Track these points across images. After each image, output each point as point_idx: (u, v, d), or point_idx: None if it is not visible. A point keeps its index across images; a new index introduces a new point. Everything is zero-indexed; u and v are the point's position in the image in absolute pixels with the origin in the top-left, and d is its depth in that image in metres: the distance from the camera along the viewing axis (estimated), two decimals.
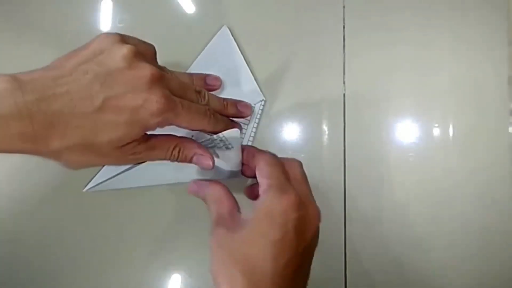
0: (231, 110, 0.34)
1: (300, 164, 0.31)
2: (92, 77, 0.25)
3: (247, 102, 0.36)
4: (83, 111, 0.25)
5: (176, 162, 0.33)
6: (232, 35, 0.39)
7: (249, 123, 0.38)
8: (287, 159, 0.32)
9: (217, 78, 0.37)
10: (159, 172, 0.37)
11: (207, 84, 0.36)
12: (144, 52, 0.29)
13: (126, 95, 0.26)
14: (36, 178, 0.39)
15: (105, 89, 0.25)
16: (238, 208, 0.30)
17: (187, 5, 0.40)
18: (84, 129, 0.25)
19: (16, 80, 0.24)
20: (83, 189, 0.37)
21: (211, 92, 0.34)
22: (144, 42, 0.31)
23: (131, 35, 0.40)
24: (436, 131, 0.38)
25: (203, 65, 0.38)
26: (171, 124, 0.29)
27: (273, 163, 0.30)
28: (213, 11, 0.40)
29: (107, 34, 0.29)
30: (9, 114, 0.23)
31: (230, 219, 0.29)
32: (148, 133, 0.29)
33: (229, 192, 0.31)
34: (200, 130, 0.31)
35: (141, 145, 0.29)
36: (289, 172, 0.30)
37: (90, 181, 0.37)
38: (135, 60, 0.27)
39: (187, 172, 0.38)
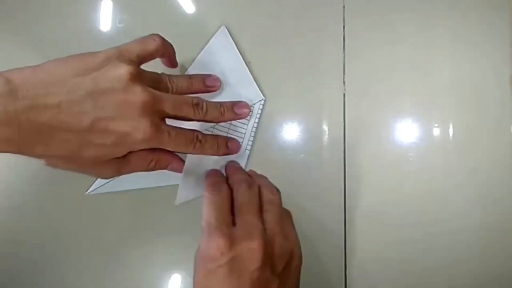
0: (228, 116, 0.35)
1: (279, 197, 0.33)
2: (84, 95, 0.25)
3: (244, 102, 0.36)
4: (70, 128, 0.25)
5: None
6: (231, 35, 0.39)
7: (248, 123, 0.38)
8: (266, 189, 0.33)
9: (217, 79, 0.37)
10: (160, 174, 0.37)
11: (206, 85, 0.36)
12: (142, 71, 0.29)
13: (115, 119, 0.26)
14: (36, 179, 0.39)
15: (96, 110, 0.26)
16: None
17: (187, 5, 0.40)
18: (70, 144, 0.26)
19: (8, 82, 0.24)
20: (86, 192, 0.37)
21: (213, 94, 0.35)
22: (145, 46, 0.31)
23: (131, 35, 0.41)
24: (436, 131, 0.38)
25: (202, 65, 0.38)
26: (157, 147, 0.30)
27: (215, 203, 0.30)
28: (213, 11, 0.40)
29: (108, 50, 0.29)
30: None
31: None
32: None
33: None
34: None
35: (121, 161, 0.30)
36: (266, 210, 0.31)
37: (92, 184, 0.37)
38: (130, 84, 0.27)
39: (190, 174, 0.38)
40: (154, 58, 0.32)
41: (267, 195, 0.32)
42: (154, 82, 0.31)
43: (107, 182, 0.37)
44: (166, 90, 0.32)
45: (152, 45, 0.31)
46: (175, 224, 0.39)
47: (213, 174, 0.36)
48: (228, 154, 0.36)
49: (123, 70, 0.27)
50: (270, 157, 0.38)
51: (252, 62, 0.39)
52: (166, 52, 0.33)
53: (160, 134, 0.28)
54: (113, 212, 0.39)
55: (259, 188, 0.33)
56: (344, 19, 0.39)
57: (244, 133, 0.38)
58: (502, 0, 0.38)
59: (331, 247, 0.38)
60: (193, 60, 0.39)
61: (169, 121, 0.31)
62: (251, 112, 0.38)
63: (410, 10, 0.39)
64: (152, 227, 0.39)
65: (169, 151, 0.33)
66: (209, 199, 0.31)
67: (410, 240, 0.38)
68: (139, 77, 0.28)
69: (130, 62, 0.28)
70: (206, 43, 0.39)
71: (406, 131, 0.38)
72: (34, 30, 0.40)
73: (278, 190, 0.33)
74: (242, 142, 0.38)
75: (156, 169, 0.33)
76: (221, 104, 0.34)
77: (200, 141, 0.32)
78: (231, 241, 0.27)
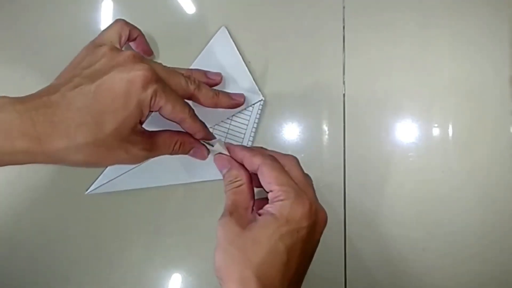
0: (223, 99, 0.34)
1: (297, 161, 0.31)
2: (79, 76, 0.27)
3: (240, 93, 0.37)
4: (78, 106, 0.26)
5: (177, 164, 0.35)
6: (231, 36, 0.39)
7: (248, 123, 0.38)
8: (282, 156, 0.31)
9: (218, 74, 0.37)
10: (159, 173, 0.37)
11: (207, 77, 0.36)
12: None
13: (113, 77, 0.27)
14: (36, 178, 0.39)
15: (95, 78, 0.27)
16: (254, 205, 0.30)
17: (187, 6, 0.40)
18: (86, 125, 0.26)
19: (11, 98, 0.26)
20: (86, 191, 0.38)
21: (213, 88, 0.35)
22: (116, 32, 0.35)
23: None
24: (436, 131, 0.38)
25: (202, 66, 0.38)
26: (160, 107, 0.29)
27: (277, 168, 0.29)
28: (213, 11, 0.40)
29: (104, 46, 0.31)
30: (10, 118, 0.24)
31: (244, 215, 0.29)
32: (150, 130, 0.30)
33: (251, 186, 0.30)
34: (179, 123, 0.31)
35: (146, 141, 0.30)
36: (290, 173, 0.29)
37: (91, 184, 0.37)
38: (116, 49, 0.29)
39: (187, 173, 0.38)
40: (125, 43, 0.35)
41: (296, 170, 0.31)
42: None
43: (107, 182, 0.37)
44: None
45: (119, 30, 0.35)
46: (175, 224, 0.39)
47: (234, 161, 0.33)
48: (232, 104, 0.36)
49: (103, 49, 0.29)
50: None
51: (252, 62, 0.39)
52: (133, 36, 0.36)
53: (159, 76, 0.28)
54: (112, 212, 0.39)
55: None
56: (344, 19, 0.39)
57: (244, 133, 0.38)
58: (502, 0, 0.38)
59: (331, 247, 0.38)
60: (193, 60, 0.39)
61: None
62: (250, 112, 0.38)
63: (410, 11, 0.39)
64: (152, 227, 0.39)
65: (191, 135, 0.32)
66: (271, 165, 0.29)
67: (409, 240, 0.38)
68: (120, 49, 0.30)
69: (107, 45, 0.30)
70: (207, 44, 0.39)
71: (406, 131, 0.38)
72: (35, 30, 0.40)
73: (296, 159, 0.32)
74: (242, 142, 0.38)
75: (180, 153, 0.33)
76: (215, 89, 0.34)
77: (193, 111, 0.31)
78: (312, 207, 0.28)
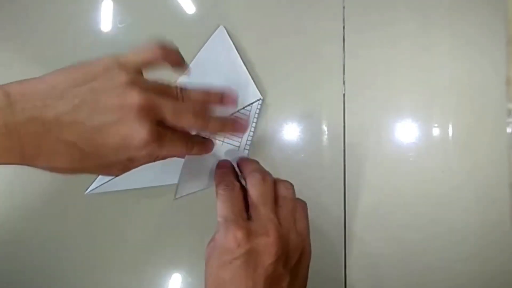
0: (228, 129, 0.33)
1: (291, 187, 0.32)
2: (81, 104, 0.25)
3: (245, 123, 0.35)
4: (69, 140, 0.25)
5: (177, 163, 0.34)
6: (231, 35, 0.39)
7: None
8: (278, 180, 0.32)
9: (234, 100, 0.33)
10: (159, 173, 0.37)
11: (223, 101, 0.34)
12: (142, 79, 0.29)
13: (112, 125, 0.26)
14: (36, 179, 0.39)
15: (93, 118, 0.25)
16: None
17: (187, 6, 0.40)
18: (70, 156, 0.26)
19: (7, 96, 0.24)
20: (85, 192, 0.38)
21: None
22: (143, 55, 0.30)
23: (132, 35, 0.41)
24: (436, 131, 0.38)
25: (201, 65, 0.38)
26: (153, 157, 0.29)
27: (227, 198, 0.30)
28: (213, 11, 0.40)
29: (107, 58, 0.28)
30: None
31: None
32: None
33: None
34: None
35: (124, 162, 0.29)
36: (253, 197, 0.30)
37: (91, 184, 0.37)
38: (127, 89, 0.26)
39: (189, 174, 0.38)
40: (155, 66, 0.31)
41: (281, 189, 0.31)
42: (159, 90, 0.29)
43: (106, 182, 0.37)
44: (173, 97, 0.30)
45: (149, 54, 0.30)
46: (175, 224, 0.39)
47: (222, 169, 0.35)
48: (208, 152, 0.35)
49: (121, 78, 0.27)
50: (270, 157, 0.38)
51: (252, 62, 0.39)
52: (169, 58, 0.32)
53: (159, 137, 0.27)
54: (112, 212, 0.39)
55: (274, 181, 0.32)
56: (344, 19, 0.39)
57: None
58: (500, 0, 0.38)
59: (331, 247, 0.38)
60: (192, 60, 0.39)
61: None
62: (249, 111, 0.38)
63: (409, 11, 0.39)
64: (152, 227, 0.39)
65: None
66: (223, 196, 0.31)
67: (409, 240, 0.38)
68: (137, 83, 0.27)
69: (128, 70, 0.28)
70: (205, 43, 0.39)
71: (406, 131, 0.38)
72: (35, 31, 0.40)
73: (291, 184, 0.32)
74: (240, 142, 0.38)
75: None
76: (225, 118, 0.32)
77: (191, 141, 0.31)
78: (248, 234, 0.28)
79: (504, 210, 0.37)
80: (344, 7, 0.39)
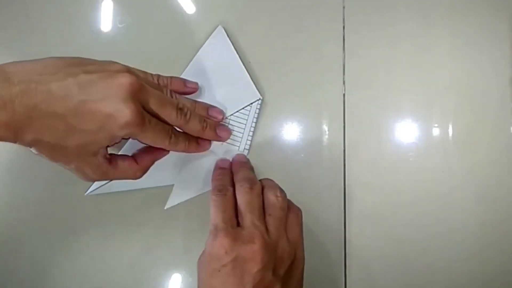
0: (208, 134, 0.35)
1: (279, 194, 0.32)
2: (73, 80, 0.26)
3: (227, 127, 0.37)
4: (57, 111, 0.26)
5: (178, 164, 0.36)
6: (231, 35, 0.39)
7: (246, 123, 0.38)
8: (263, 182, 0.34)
9: (220, 112, 0.37)
10: (159, 173, 0.37)
11: (208, 115, 0.36)
12: (139, 73, 0.30)
13: (99, 101, 0.27)
14: (36, 180, 0.39)
15: (81, 93, 0.26)
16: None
17: (188, 6, 0.40)
18: (56, 130, 0.27)
19: (3, 71, 0.25)
20: (85, 192, 0.38)
21: (209, 93, 0.36)
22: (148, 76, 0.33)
23: (132, 35, 0.41)
24: (436, 131, 0.38)
25: (199, 65, 0.38)
26: (134, 138, 0.30)
27: (218, 204, 0.31)
28: (213, 11, 0.40)
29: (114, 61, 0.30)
30: None
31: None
32: None
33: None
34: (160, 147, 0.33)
35: (103, 165, 0.30)
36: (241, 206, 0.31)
37: (91, 185, 0.37)
38: (120, 72, 0.28)
39: (188, 174, 0.38)
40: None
41: (270, 197, 0.32)
42: (149, 83, 0.31)
43: (106, 183, 0.37)
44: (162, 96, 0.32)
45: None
46: (175, 224, 0.39)
47: (219, 170, 0.36)
48: (198, 151, 0.36)
49: (115, 66, 0.28)
50: (270, 157, 0.38)
51: (252, 62, 0.39)
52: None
53: (142, 120, 0.28)
54: (112, 212, 0.39)
55: (263, 189, 0.33)
56: (344, 19, 0.39)
57: (242, 133, 0.38)
58: (502, 0, 0.38)
59: (331, 247, 0.38)
60: (191, 60, 0.39)
61: None
62: (248, 111, 0.38)
63: (410, 11, 0.39)
64: (152, 227, 0.39)
65: (151, 154, 0.34)
66: (215, 201, 0.32)
67: (409, 240, 0.38)
68: (130, 71, 0.29)
69: (123, 65, 0.30)
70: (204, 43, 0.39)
71: (406, 131, 0.38)
72: (35, 31, 0.40)
73: (282, 191, 0.33)
74: (240, 142, 0.38)
75: (141, 176, 0.33)
76: (205, 120, 0.34)
77: (175, 135, 0.32)
78: (235, 241, 0.28)
79: (504, 210, 0.37)
80: (344, 7, 0.39)
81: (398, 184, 0.38)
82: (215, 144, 0.38)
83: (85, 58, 0.29)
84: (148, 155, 0.33)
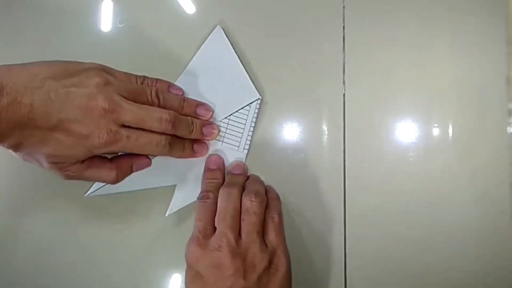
0: (196, 135, 0.36)
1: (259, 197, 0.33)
2: (54, 96, 0.28)
3: (214, 124, 0.37)
4: (38, 126, 0.28)
5: (178, 165, 0.37)
6: (231, 35, 0.39)
7: (246, 122, 0.38)
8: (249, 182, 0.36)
9: (209, 109, 0.37)
10: (159, 174, 0.37)
11: (197, 113, 0.36)
12: (118, 87, 0.31)
13: (76, 122, 0.28)
14: (36, 181, 0.39)
15: (61, 112, 0.28)
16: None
17: (187, 6, 0.40)
18: (34, 138, 0.28)
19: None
20: (85, 194, 0.38)
21: (208, 94, 0.37)
22: (129, 76, 0.34)
23: (131, 35, 0.41)
24: (436, 131, 0.38)
25: (198, 65, 0.38)
26: (121, 152, 0.32)
27: (199, 212, 0.33)
28: (213, 11, 0.40)
29: (92, 63, 0.31)
30: None
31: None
32: None
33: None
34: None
35: (81, 165, 0.31)
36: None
37: (91, 186, 0.37)
38: (95, 91, 0.29)
39: (189, 175, 0.38)
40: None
41: (245, 202, 0.33)
42: (133, 93, 0.32)
43: (106, 184, 0.37)
44: (146, 103, 0.33)
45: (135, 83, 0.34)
46: (175, 224, 0.39)
47: (206, 176, 0.37)
48: (195, 156, 0.37)
49: (95, 79, 0.29)
50: (270, 157, 0.38)
51: (252, 62, 0.39)
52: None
53: (118, 140, 0.30)
54: (112, 212, 0.39)
55: (241, 195, 0.34)
56: (344, 19, 0.39)
57: (242, 133, 0.38)
58: (500, 1, 0.38)
59: (331, 247, 0.38)
60: (189, 61, 0.39)
61: None
62: (248, 111, 0.38)
63: (409, 10, 0.39)
64: (152, 227, 0.39)
65: (128, 155, 0.34)
66: (197, 209, 0.34)
67: (409, 240, 0.38)
68: (109, 85, 0.30)
69: (108, 74, 0.31)
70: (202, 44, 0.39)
71: (406, 131, 0.38)
72: (35, 30, 0.40)
73: (258, 195, 0.33)
74: (240, 142, 0.38)
75: (121, 178, 0.34)
76: (193, 121, 0.35)
77: (169, 143, 0.33)
78: (203, 249, 0.31)
79: (504, 210, 0.37)
80: (344, 7, 0.39)
81: (398, 184, 0.38)
82: (215, 144, 0.38)
83: (67, 65, 0.30)
84: (127, 158, 0.35)
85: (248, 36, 0.39)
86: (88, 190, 0.37)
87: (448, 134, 0.38)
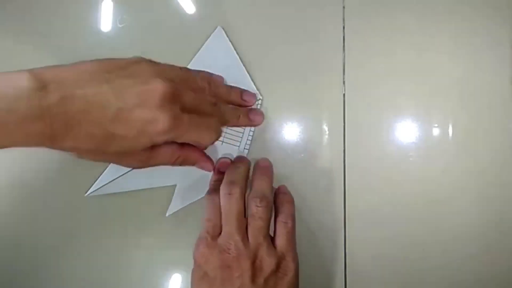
0: (243, 122, 0.37)
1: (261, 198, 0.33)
2: (108, 87, 0.26)
3: (259, 110, 0.38)
4: (95, 120, 0.26)
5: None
6: (231, 36, 0.39)
7: None
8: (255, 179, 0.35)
9: (254, 95, 0.38)
10: (160, 174, 0.37)
11: (243, 99, 0.37)
12: (170, 73, 0.30)
13: (136, 109, 0.27)
14: (36, 181, 0.39)
15: (118, 101, 0.26)
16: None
17: (188, 6, 0.40)
18: (96, 137, 0.27)
19: (38, 79, 0.24)
20: (85, 193, 0.38)
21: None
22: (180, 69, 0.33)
23: (132, 35, 0.41)
24: (436, 131, 0.38)
25: (199, 66, 0.38)
26: (179, 140, 0.30)
27: (206, 212, 0.33)
28: (213, 12, 0.40)
29: (136, 56, 0.30)
30: (31, 116, 0.24)
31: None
32: None
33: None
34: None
35: (144, 154, 0.30)
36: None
37: (91, 186, 0.37)
38: (152, 77, 0.28)
39: (188, 175, 0.38)
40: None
41: (251, 207, 0.32)
42: (183, 80, 0.31)
43: (106, 184, 0.37)
44: (196, 90, 0.32)
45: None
46: (176, 224, 0.39)
47: (215, 178, 0.37)
48: (252, 125, 0.38)
49: (147, 68, 0.29)
50: (270, 157, 0.38)
51: (252, 62, 0.39)
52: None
53: (180, 125, 0.28)
54: (113, 212, 0.39)
55: (244, 197, 0.33)
56: (344, 19, 0.39)
57: (243, 133, 0.38)
58: (502, 1, 0.38)
59: (331, 247, 0.38)
60: (190, 61, 0.39)
61: None
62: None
63: (410, 10, 0.39)
64: (153, 227, 0.39)
65: (198, 150, 0.34)
66: (205, 208, 0.34)
67: (409, 240, 0.38)
68: (162, 73, 0.29)
69: (155, 64, 0.30)
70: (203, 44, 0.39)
71: (406, 131, 0.38)
72: (35, 30, 0.40)
73: (264, 199, 0.32)
74: (240, 142, 0.38)
75: (183, 165, 0.34)
76: (238, 109, 0.36)
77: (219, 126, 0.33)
78: (212, 250, 0.31)
79: (505, 210, 0.37)
80: (344, 7, 0.39)
81: (398, 184, 0.38)
82: (216, 144, 0.38)
83: (115, 60, 0.29)
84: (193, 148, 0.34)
85: (248, 36, 0.39)
86: (88, 190, 0.37)
87: (449, 134, 0.38)
